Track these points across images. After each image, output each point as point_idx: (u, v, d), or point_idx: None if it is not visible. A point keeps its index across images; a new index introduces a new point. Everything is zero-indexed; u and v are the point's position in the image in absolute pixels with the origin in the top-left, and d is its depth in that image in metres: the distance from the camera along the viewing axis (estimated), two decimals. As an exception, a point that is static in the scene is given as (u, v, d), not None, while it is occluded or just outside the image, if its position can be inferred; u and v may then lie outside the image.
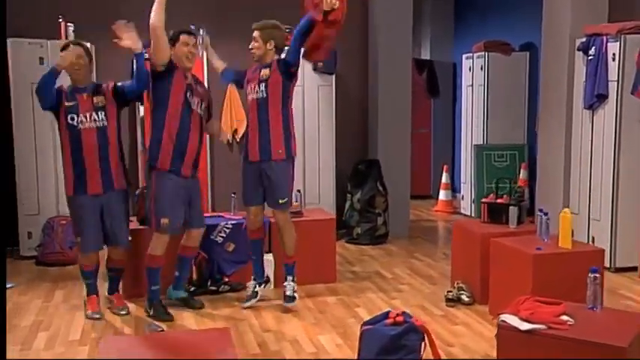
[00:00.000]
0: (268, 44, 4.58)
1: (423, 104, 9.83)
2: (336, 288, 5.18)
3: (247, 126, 4.71)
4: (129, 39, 4.37)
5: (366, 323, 3.32)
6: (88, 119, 4.33)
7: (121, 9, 6.48)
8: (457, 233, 5.12)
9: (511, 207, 4.83)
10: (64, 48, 4.48)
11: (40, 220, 6.08)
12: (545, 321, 2.94)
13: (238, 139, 6.83)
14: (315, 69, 6.55)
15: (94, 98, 4.40)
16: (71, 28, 6.13)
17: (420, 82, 9.75)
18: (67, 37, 6.09)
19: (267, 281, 4.90)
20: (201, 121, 4.58)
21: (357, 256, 6.25)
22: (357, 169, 6.80)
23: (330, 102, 6.65)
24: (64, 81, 4.49)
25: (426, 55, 10.14)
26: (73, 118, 4.32)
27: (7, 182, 6.13)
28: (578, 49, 5.87)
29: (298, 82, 6.34)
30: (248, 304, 4.71)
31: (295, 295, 4.67)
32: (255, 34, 4.62)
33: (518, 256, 4.20)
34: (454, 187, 9.14)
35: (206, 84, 5.90)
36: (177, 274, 4.74)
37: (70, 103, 4.35)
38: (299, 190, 5.62)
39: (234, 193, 5.27)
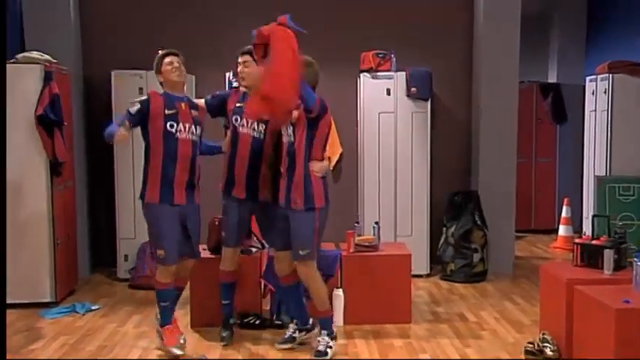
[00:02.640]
0: None
1: (547, 131, 9.14)
2: (409, 330, 4.82)
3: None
4: None
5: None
6: (186, 130, 4.30)
7: (219, 40, 6.65)
8: (544, 277, 4.56)
9: (606, 250, 4.22)
10: (163, 57, 4.42)
11: (136, 244, 6.27)
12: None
13: (332, 168, 6.67)
14: (408, 95, 6.23)
15: (192, 111, 4.39)
16: (168, 59, 6.31)
17: (544, 108, 9.09)
18: (164, 68, 6.29)
19: (311, 329, 4.52)
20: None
21: (446, 294, 5.81)
22: (453, 201, 6.37)
23: (424, 129, 6.29)
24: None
25: (552, 79, 9.43)
26: (172, 126, 4.25)
27: (110, 205, 6.41)
28: None
29: (391, 109, 6.23)
30: (282, 346, 4.44)
31: (328, 350, 4.29)
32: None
33: (601, 309, 3.63)
34: (581, 222, 8.32)
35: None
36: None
37: (171, 112, 4.27)
38: (377, 223, 5.31)
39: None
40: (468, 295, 5.77)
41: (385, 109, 6.25)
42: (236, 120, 4.50)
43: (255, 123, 4.47)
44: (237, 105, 4.53)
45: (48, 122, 5.32)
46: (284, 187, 4.31)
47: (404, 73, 6.22)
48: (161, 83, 4.44)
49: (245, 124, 4.48)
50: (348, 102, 6.50)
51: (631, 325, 3.45)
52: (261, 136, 4.48)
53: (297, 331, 4.49)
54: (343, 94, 6.49)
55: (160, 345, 4.40)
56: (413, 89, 6.19)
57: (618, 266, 4.25)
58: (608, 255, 4.19)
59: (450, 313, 5.24)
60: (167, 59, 4.40)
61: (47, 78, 5.35)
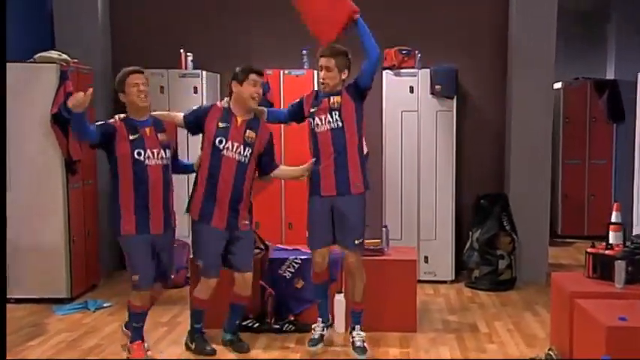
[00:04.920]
0: (343, 74, 4.21)
1: (603, 131, 8.56)
2: (412, 339, 4.57)
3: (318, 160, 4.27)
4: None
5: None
6: (155, 156, 4.05)
7: (241, 39, 6.58)
8: (554, 288, 4.23)
9: (617, 261, 3.85)
10: (127, 75, 4.08)
11: (157, 243, 6.27)
12: None
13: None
14: (432, 93, 5.95)
15: (159, 135, 4.12)
16: (190, 58, 6.32)
17: (599, 106, 8.52)
18: (186, 67, 6.30)
19: (331, 325, 4.51)
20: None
21: (465, 303, 5.50)
22: (479, 204, 6.03)
23: (449, 128, 5.98)
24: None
25: (610, 75, 8.85)
26: (140, 154, 4.01)
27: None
28: None
29: (413, 108, 6.00)
30: (316, 347, 4.35)
31: (366, 345, 4.26)
32: (329, 62, 4.18)
33: (594, 326, 3.30)
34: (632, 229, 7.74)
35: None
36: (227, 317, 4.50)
37: (135, 136, 4.03)
38: (385, 226, 5.09)
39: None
40: (488, 304, 5.44)
41: (408, 108, 6.01)
42: (220, 142, 4.18)
43: (241, 147, 4.19)
44: (221, 126, 4.20)
45: (62, 121, 5.39)
46: (331, 175, 4.18)
47: (428, 70, 5.95)
48: (124, 104, 4.14)
49: (230, 148, 4.17)
50: (373, 100, 6.25)
51: (623, 344, 3.11)
52: (246, 160, 4.22)
53: (324, 329, 4.43)
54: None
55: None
56: (437, 87, 5.91)
57: (633, 279, 3.87)
58: (620, 267, 3.83)
59: (461, 323, 4.95)
60: (131, 78, 4.04)
61: (62, 77, 5.41)
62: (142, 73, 4.12)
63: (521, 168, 6.15)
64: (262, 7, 6.60)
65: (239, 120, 4.25)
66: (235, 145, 4.20)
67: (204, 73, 6.22)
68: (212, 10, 6.67)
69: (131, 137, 4.03)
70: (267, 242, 4.94)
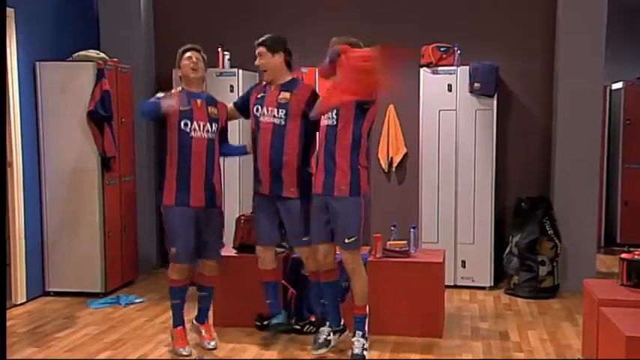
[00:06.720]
0: None
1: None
2: (436, 345, 4.39)
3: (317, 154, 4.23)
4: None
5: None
6: (201, 129, 4.17)
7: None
8: (585, 296, 3.97)
9: (651, 267, 3.58)
10: (184, 52, 4.31)
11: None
12: None
13: (394, 168, 6.36)
14: (471, 91, 5.74)
15: (209, 107, 4.26)
16: (227, 57, 6.32)
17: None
18: (223, 65, 6.31)
19: (343, 330, 4.33)
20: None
21: (501, 310, 5.25)
22: (520, 207, 5.76)
23: (489, 128, 5.74)
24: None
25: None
26: (186, 124, 4.13)
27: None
28: None
29: (451, 107, 5.81)
30: (318, 352, 4.23)
31: (365, 353, 4.10)
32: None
33: (615, 335, 3.06)
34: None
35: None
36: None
37: (185, 109, 4.16)
38: (414, 227, 4.92)
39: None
40: (525, 312, 5.18)
41: (446, 107, 5.80)
42: (257, 110, 4.29)
43: (276, 109, 4.22)
44: (259, 96, 4.33)
45: (98, 118, 5.49)
46: (321, 173, 4.10)
47: (467, 67, 5.74)
48: (180, 78, 4.38)
49: (266, 113, 4.25)
50: (410, 99, 6.11)
51: (645, 357, 2.86)
52: (282, 122, 4.22)
53: (331, 334, 4.28)
54: (406, 91, 6.13)
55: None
56: (476, 84, 5.69)
57: (670, 287, 3.58)
58: (654, 273, 3.55)
59: (492, 330, 4.72)
60: (187, 54, 4.28)
61: (99, 75, 5.52)
62: (198, 51, 4.30)
63: (568, 171, 5.83)
64: (300, 5, 6.55)
65: (273, 86, 4.32)
66: (269, 109, 4.25)
67: (240, 71, 6.21)
68: (250, 8, 6.66)
69: (181, 108, 4.16)
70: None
